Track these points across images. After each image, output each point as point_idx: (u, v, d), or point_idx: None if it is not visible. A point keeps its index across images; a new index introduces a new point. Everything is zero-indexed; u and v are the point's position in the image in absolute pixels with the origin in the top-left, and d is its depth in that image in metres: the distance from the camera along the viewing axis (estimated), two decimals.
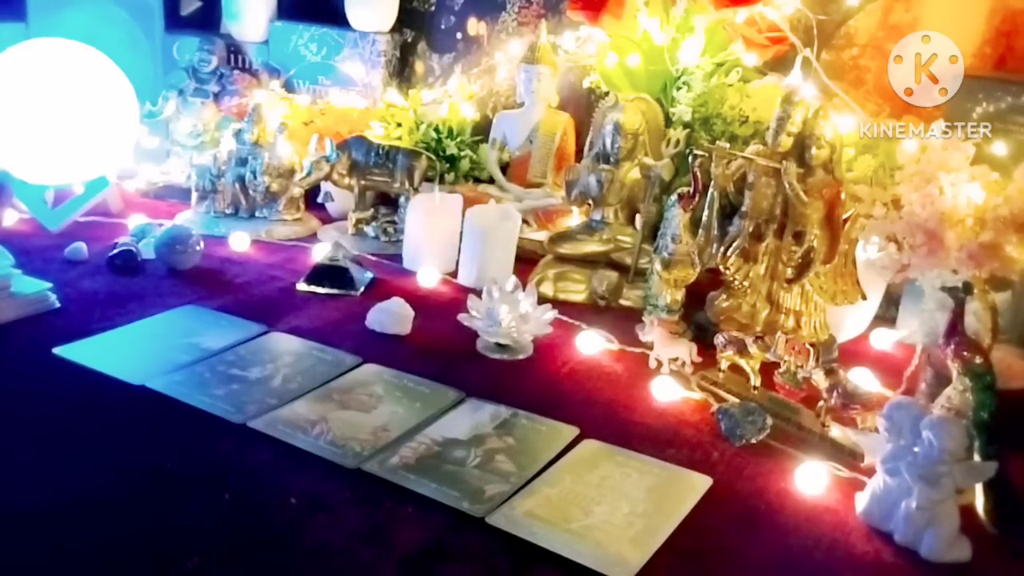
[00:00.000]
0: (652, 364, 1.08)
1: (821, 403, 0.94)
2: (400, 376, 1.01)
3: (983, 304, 0.94)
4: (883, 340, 1.20)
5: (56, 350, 1.01)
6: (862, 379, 1.01)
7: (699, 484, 0.83)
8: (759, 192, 1.09)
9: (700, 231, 1.14)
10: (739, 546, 0.76)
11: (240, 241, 1.43)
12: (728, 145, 1.20)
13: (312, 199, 1.60)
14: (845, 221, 1.05)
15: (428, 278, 1.32)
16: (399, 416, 0.92)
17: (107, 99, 1.45)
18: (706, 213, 1.13)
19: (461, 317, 1.10)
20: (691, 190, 1.15)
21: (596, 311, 1.25)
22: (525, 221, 1.43)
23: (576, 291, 1.29)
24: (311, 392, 0.96)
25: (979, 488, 0.80)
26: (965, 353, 0.85)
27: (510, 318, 1.08)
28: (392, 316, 1.13)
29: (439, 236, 1.37)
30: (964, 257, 0.99)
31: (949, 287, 0.93)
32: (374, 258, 1.41)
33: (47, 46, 1.43)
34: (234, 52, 1.88)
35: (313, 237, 1.51)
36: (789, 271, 1.09)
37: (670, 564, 0.72)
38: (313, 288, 1.26)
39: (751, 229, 1.10)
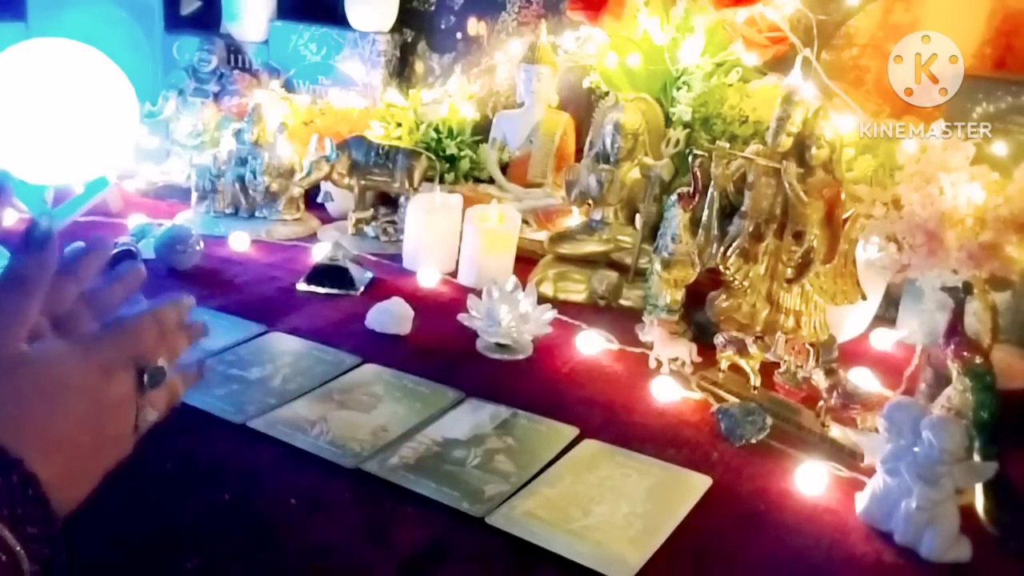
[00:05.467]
0: (652, 364, 1.08)
1: (821, 403, 0.94)
2: (400, 376, 1.01)
3: (983, 304, 0.94)
4: (883, 340, 1.20)
5: None
6: (862, 379, 1.01)
7: (699, 484, 0.83)
8: (759, 192, 1.09)
9: (700, 231, 1.14)
10: (739, 546, 0.76)
11: (240, 241, 1.43)
12: (728, 145, 1.20)
13: (312, 199, 1.60)
14: (845, 221, 1.05)
15: (428, 278, 1.32)
16: (399, 416, 0.92)
17: (107, 99, 1.45)
18: (706, 213, 1.13)
19: (461, 317, 1.10)
20: (691, 190, 1.15)
21: (596, 311, 1.25)
22: (525, 221, 1.44)
23: (576, 291, 1.29)
24: (311, 392, 0.96)
25: (979, 488, 0.80)
26: (965, 353, 0.85)
27: (510, 318, 1.08)
28: (392, 316, 1.13)
29: (439, 236, 1.37)
30: (964, 257, 0.99)
31: (949, 287, 0.93)
32: (374, 258, 1.41)
33: (47, 46, 1.43)
34: (234, 52, 1.88)
35: (313, 237, 1.51)
36: (789, 271, 1.09)
37: (670, 564, 0.72)
38: (313, 288, 1.26)
39: (751, 229, 1.10)
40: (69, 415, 0.46)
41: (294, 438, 0.86)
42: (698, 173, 1.13)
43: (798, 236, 1.08)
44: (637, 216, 1.32)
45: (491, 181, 1.65)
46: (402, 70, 1.86)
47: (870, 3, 1.39)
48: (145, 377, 0.50)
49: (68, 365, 0.47)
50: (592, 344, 1.12)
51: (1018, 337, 1.10)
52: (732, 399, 0.99)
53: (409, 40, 1.86)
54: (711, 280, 1.19)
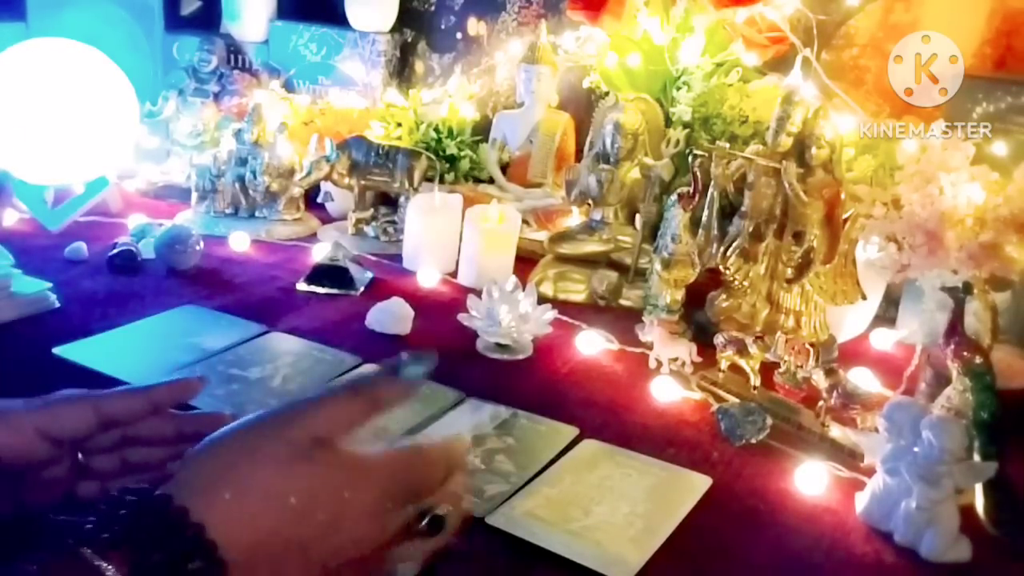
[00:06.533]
0: (652, 364, 1.08)
1: (821, 403, 0.94)
2: None
3: (983, 304, 0.94)
4: (883, 340, 1.20)
5: (56, 350, 1.01)
6: (862, 379, 1.01)
7: (699, 484, 0.83)
8: (759, 192, 1.09)
9: (700, 231, 1.14)
10: (739, 546, 0.76)
11: (240, 241, 1.43)
12: (728, 145, 1.20)
13: (312, 199, 1.60)
14: (845, 221, 1.05)
15: (428, 278, 1.32)
16: (399, 416, 0.91)
17: (107, 99, 1.45)
18: (706, 213, 1.14)
19: (461, 317, 1.10)
20: (691, 190, 1.15)
21: (596, 311, 1.25)
22: (525, 221, 1.44)
23: (576, 291, 1.29)
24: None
25: (979, 488, 0.80)
26: (965, 353, 0.85)
27: (510, 318, 1.07)
28: (392, 316, 1.13)
29: (439, 236, 1.37)
30: (964, 257, 0.99)
31: (949, 287, 0.93)
32: (374, 258, 1.41)
33: (47, 46, 1.43)
34: (234, 52, 1.88)
35: (313, 237, 1.51)
36: (789, 271, 1.09)
37: (670, 564, 0.72)
38: (313, 288, 1.26)
39: (751, 229, 1.10)
40: (310, 532, 0.40)
41: None
42: (698, 173, 1.13)
43: (798, 236, 1.08)
44: (637, 216, 1.32)
45: (491, 181, 1.65)
46: (402, 70, 1.86)
47: (870, 3, 1.39)
48: (424, 522, 0.43)
49: (344, 487, 0.41)
50: (592, 344, 1.12)
51: (1018, 337, 1.10)
52: (732, 399, 0.99)
53: (409, 40, 1.86)
54: (711, 280, 1.19)
